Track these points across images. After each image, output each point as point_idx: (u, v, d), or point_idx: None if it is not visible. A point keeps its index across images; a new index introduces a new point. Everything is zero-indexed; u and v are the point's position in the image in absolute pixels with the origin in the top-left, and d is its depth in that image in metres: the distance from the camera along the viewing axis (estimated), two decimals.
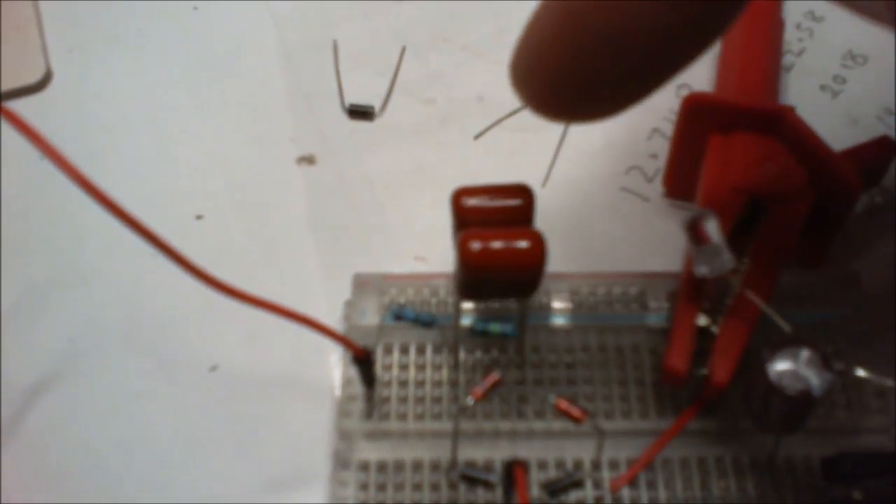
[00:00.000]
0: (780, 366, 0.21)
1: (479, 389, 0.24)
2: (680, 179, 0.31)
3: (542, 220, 0.23)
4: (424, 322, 0.26)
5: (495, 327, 0.26)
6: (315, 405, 0.27)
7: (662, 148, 0.32)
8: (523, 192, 0.23)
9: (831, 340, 0.27)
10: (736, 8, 0.18)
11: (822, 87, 0.34)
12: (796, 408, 0.22)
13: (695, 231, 0.24)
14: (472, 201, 0.23)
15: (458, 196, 0.23)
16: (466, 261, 0.22)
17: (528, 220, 0.23)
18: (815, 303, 0.27)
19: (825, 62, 0.35)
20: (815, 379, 0.21)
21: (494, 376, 0.24)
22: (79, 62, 0.35)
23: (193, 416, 0.27)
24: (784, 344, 0.22)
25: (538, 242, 0.22)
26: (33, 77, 0.33)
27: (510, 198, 0.23)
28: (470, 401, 0.23)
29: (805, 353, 0.22)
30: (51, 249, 0.30)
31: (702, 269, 0.24)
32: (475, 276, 0.22)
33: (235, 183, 0.32)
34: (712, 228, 0.24)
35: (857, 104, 0.34)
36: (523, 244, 0.22)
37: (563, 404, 0.23)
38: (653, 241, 0.30)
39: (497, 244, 0.22)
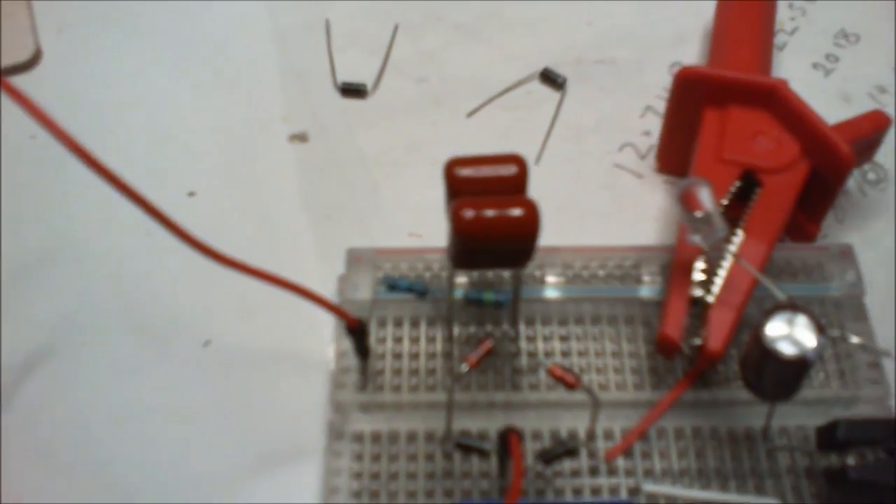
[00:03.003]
0: (775, 330, 0.21)
1: (474, 356, 0.23)
2: (673, 155, 0.31)
3: (536, 196, 0.22)
4: (418, 291, 0.26)
5: (489, 296, 0.26)
6: (309, 378, 0.26)
7: (655, 125, 0.32)
8: (516, 162, 0.23)
9: (826, 313, 0.27)
10: None
11: (815, 66, 0.34)
12: (791, 372, 0.22)
13: (688, 199, 0.24)
14: (465, 171, 0.22)
15: (451, 166, 0.22)
16: (459, 229, 0.21)
17: (521, 189, 0.23)
18: (809, 277, 0.27)
19: (818, 41, 0.35)
20: (809, 343, 0.21)
21: (489, 343, 0.24)
22: (69, 42, 0.35)
23: (187, 390, 0.27)
24: (779, 309, 0.22)
25: (532, 210, 0.22)
26: (22, 56, 0.33)
27: (503, 168, 0.23)
28: (464, 367, 0.23)
29: (800, 319, 0.22)
30: (44, 227, 0.30)
31: (695, 238, 0.24)
32: (468, 245, 0.22)
33: (227, 160, 0.32)
34: (705, 197, 0.24)
35: (849, 82, 0.34)
36: (517, 212, 0.21)
37: (558, 371, 0.22)
38: (646, 218, 0.30)
39: (490, 212, 0.21)
